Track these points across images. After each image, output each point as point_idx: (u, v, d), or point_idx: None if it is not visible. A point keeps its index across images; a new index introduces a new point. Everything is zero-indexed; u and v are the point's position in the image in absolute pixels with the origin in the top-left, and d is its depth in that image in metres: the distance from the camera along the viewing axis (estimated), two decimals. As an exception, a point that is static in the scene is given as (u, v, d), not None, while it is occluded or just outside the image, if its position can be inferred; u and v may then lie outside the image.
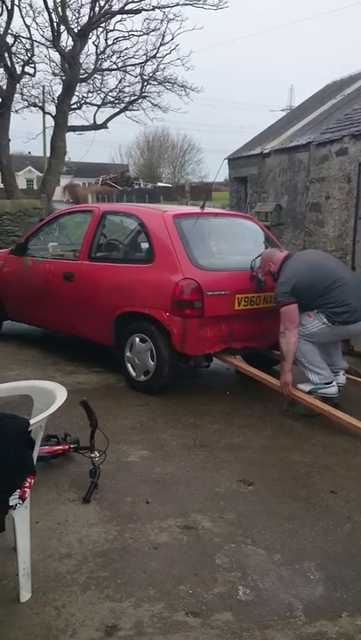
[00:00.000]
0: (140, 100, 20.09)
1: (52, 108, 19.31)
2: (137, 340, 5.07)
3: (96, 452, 3.48)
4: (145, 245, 5.30)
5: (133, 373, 5.16)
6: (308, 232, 9.44)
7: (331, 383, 4.80)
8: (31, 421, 2.30)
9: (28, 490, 2.35)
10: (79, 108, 19.70)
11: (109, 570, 2.71)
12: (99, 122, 19.83)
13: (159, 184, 49.54)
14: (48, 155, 21.04)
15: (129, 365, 5.19)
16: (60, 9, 16.89)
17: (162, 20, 18.18)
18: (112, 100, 20.13)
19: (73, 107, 19.05)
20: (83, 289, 5.57)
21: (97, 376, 5.54)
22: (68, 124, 18.81)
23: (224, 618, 2.43)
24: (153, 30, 18.32)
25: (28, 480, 2.34)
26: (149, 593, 2.56)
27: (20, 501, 2.33)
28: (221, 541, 2.98)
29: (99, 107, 19.93)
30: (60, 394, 2.54)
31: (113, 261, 5.55)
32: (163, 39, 18.35)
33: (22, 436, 2.26)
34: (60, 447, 3.64)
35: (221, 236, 5.75)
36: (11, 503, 2.28)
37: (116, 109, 20.23)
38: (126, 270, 5.28)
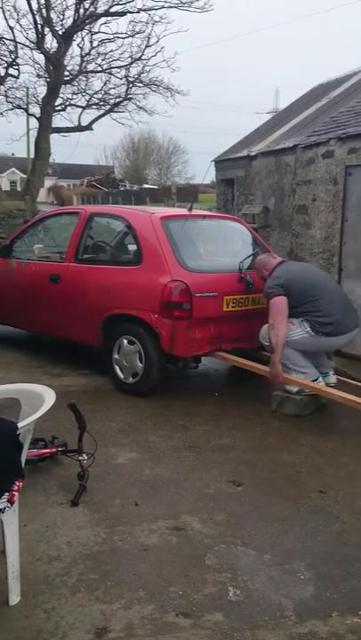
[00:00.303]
0: (126, 102, 20.05)
1: (36, 109, 19.19)
2: (125, 342, 5.06)
3: (84, 455, 3.46)
4: (133, 247, 5.29)
5: (121, 375, 5.15)
6: (295, 234, 9.48)
7: (317, 379, 4.83)
8: (19, 424, 2.28)
9: (16, 493, 2.33)
10: (64, 109, 19.60)
11: (99, 572, 2.70)
12: (84, 123, 19.77)
13: (145, 186, 49.48)
14: (32, 156, 20.94)
15: (117, 368, 5.17)
16: (44, 11, 16.82)
17: (147, 23, 18.13)
18: (97, 101, 20.05)
19: (57, 108, 18.96)
20: (69, 291, 5.54)
21: (84, 379, 5.52)
22: (53, 126, 18.72)
23: (215, 618, 2.43)
24: (138, 32, 18.26)
25: (17, 483, 2.32)
26: (139, 594, 2.55)
27: (9, 505, 2.31)
28: (211, 542, 2.98)
29: (84, 108, 19.86)
30: (49, 397, 2.52)
31: (100, 263, 5.53)
32: (148, 41, 18.32)
33: (10, 439, 2.25)
34: (48, 450, 3.62)
35: (209, 238, 5.76)
36: (-1, 506, 2.26)
37: (102, 111, 20.17)
38: (114, 272, 5.26)
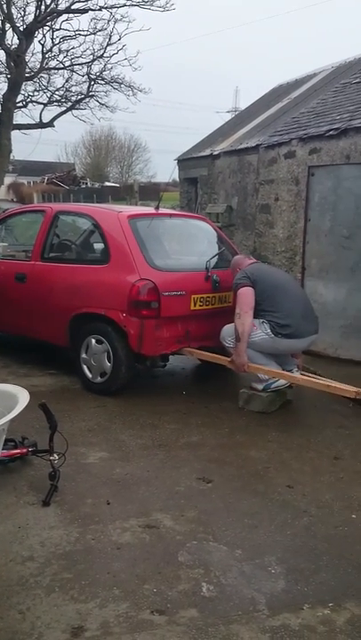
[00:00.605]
0: (88, 100, 19.94)
1: (-4, 105, 18.88)
2: (93, 341, 5.05)
3: (55, 455, 3.45)
4: (100, 246, 5.28)
5: (89, 375, 5.14)
6: (258, 233, 9.59)
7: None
8: (-5, 425, 2.27)
9: (-9, 494, 2.32)
10: (25, 106, 19.37)
11: (73, 571, 2.70)
12: (45, 120, 19.58)
13: (107, 184, 49.21)
14: (-8, 153, 20.57)
15: (85, 367, 5.16)
16: (4, 6, 16.57)
17: (109, 21, 18.07)
18: (59, 98, 19.89)
19: (19, 105, 18.72)
20: (36, 290, 5.50)
21: (51, 378, 5.49)
22: (14, 123, 18.48)
23: (189, 614, 2.46)
24: (100, 30, 18.19)
25: (-8, 484, 2.31)
26: (114, 593, 2.57)
27: (-16, 506, 2.29)
28: (183, 539, 3.01)
29: (45, 105, 19.66)
30: (23, 397, 2.52)
31: (67, 262, 5.51)
32: (110, 39, 18.26)
33: (-15, 439, 2.23)
34: (19, 451, 3.59)
35: (176, 237, 5.79)
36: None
37: (63, 108, 20.00)
38: (81, 271, 5.24)
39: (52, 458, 3.43)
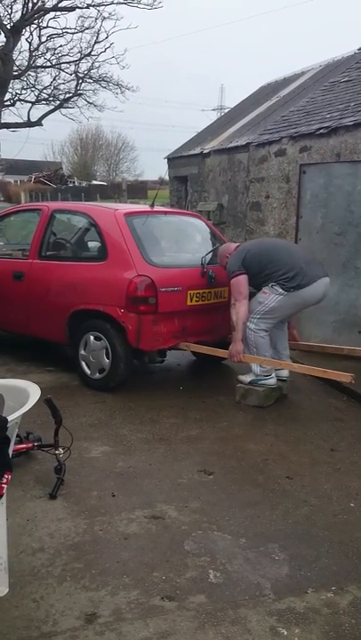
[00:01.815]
0: (76, 98, 19.95)
1: (-17, 104, 18.83)
2: (91, 338, 5.11)
3: (60, 449, 3.51)
4: (97, 243, 5.33)
5: (88, 371, 5.20)
6: (249, 230, 9.69)
7: (270, 375, 5.00)
8: (9, 418, 2.33)
9: (5, 486, 2.38)
10: (13, 104, 19.36)
11: (83, 561, 2.77)
12: (33, 119, 19.56)
13: (94, 182, 49.13)
14: (-20, 152, 20.54)
15: (83, 363, 5.22)
16: (-9, 4, 16.57)
17: (96, 19, 18.14)
18: (46, 97, 19.89)
19: (6, 103, 18.71)
20: (34, 288, 5.55)
21: (50, 375, 5.54)
22: (2, 121, 18.46)
23: (198, 600, 2.54)
24: (87, 28, 18.27)
25: (5, 476, 2.37)
26: (124, 581, 2.64)
27: (-2, 497, 2.36)
28: (188, 529, 3.09)
29: (33, 104, 19.66)
30: (34, 391, 2.58)
31: (65, 260, 5.57)
32: (97, 37, 18.32)
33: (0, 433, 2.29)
34: (24, 445, 3.65)
35: (171, 234, 5.86)
36: (-10, 499, 2.31)
37: (51, 107, 20.00)
38: (79, 268, 5.30)
39: (57, 452, 3.49)
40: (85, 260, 5.42)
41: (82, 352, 5.21)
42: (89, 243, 5.64)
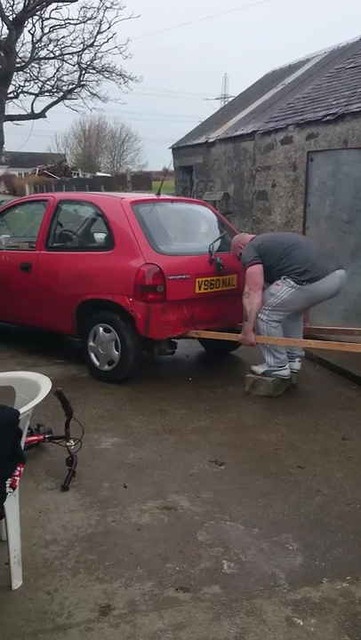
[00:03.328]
0: (79, 89, 19.87)
1: (-13, 97, 18.76)
2: (101, 329, 5.09)
3: (72, 441, 3.50)
4: (104, 233, 5.30)
5: (97, 363, 5.18)
6: (255, 220, 9.63)
7: (284, 366, 4.97)
8: (21, 411, 2.31)
9: (18, 478, 2.37)
10: (16, 97, 19.31)
11: (96, 553, 2.76)
12: (37, 111, 19.51)
13: (98, 174, 48.94)
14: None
15: (92, 355, 5.20)
16: (-7, -4, 16.48)
17: (98, 9, 18.02)
18: (50, 88, 19.82)
19: (10, 96, 18.66)
20: (41, 279, 5.53)
21: (59, 368, 5.53)
22: (6, 114, 18.41)
23: (212, 591, 2.53)
24: (90, 19, 18.16)
25: (18, 469, 2.36)
26: (138, 572, 2.63)
27: (11, 490, 2.34)
28: (201, 519, 3.07)
29: (36, 95, 19.61)
30: (45, 384, 2.56)
31: (72, 250, 5.55)
32: (100, 27, 18.21)
33: (12, 425, 2.28)
34: (36, 437, 3.64)
35: (179, 222, 5.83)
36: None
37: (55, 98, 19.93)
38: (86, 258, 5.28)
39: (68, 444, 3.48)
40: (93, 250, 5.39)
41: (91, 344, 5.19)
42: (96, 232, 5.61)
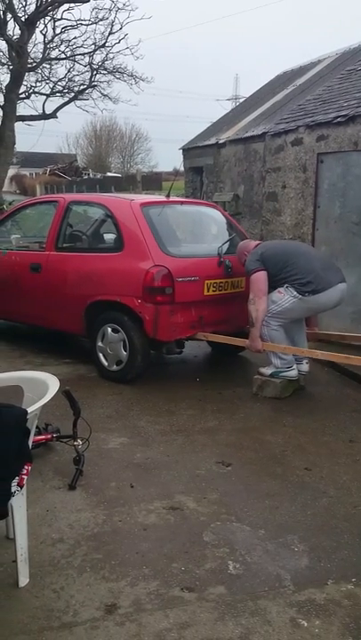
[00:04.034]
0: (90, 90, 19.90)
1: (-1, 97, 18.86)
2: (109, 330, 5.11)
3: (79, 440, 3.52)
4: (114, 234, 5.33)
5: (105, 363, 5.21)
6: (265, 221, 9.62)
7: (292, 367, 4.97)
8: (29, 410, 2.34)
9: (25, 477, 2.39)
10: (28, 97, 19.34)
11: (102, 552, 2.78)
12: (48, 111, 19.55)
13: (109, 174, 49.08)
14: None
15: (101, 355, 5.23)
16: (6, -3, 16.53)
17: (110, 10, 18.05)
18: (61, 89, 19.85)
19: (21, 96, 18.70)
20: (51, 279, 5.56)
21: (67, 367, 5.56)
22: (17, 114, 18.46)
23: (218, 591, 2.54)
24: (101, 20, 18.14)
25: (26, 467, 2.38)
26: (144, 572, 2.65)
27: (19, 488, 2.37)
28: (207, 520, 3.09)
29: (48, 96, 19.62)
30: (53, 383, 2.58)
31: (81, 251, 5.57)
32: (111, 28, 18.21)
33: (20, 424, 2.30)
34: (43, 437, 3.67)
35: (188, 224, 5.84)
36: (11, 490, 2.32)
37: (66, 99, 19.97)
38: (96, 259, 5.30)
39: (75, 443, 3.50)
40: (102, 251, 5.42)
41: (99, 344, 5.21)
42: (105, 234, 5.64)
